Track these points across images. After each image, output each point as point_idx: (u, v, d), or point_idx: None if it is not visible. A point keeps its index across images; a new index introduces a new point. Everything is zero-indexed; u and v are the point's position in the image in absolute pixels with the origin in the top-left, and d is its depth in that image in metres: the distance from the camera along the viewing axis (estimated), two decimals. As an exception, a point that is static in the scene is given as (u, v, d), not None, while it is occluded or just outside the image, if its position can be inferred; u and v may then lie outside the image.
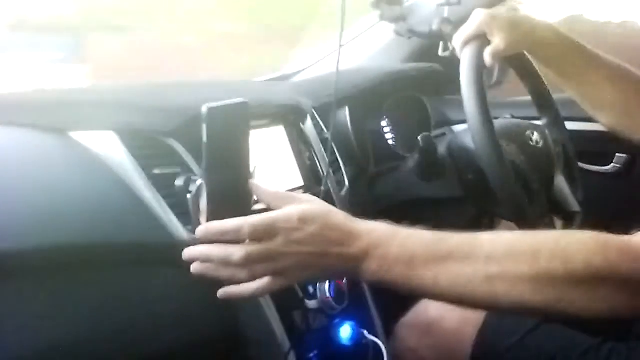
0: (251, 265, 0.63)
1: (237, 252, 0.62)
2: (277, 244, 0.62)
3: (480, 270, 0.60)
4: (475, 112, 0.85)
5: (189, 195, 0.77)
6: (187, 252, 0.66)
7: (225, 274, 0.64)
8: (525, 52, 0.99)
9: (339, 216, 0.65)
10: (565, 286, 0.58)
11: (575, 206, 1.03)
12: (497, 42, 0.90)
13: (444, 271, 0.61)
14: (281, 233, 0.62)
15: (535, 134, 1.03)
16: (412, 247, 0.62)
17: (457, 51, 0.93)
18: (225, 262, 0.63)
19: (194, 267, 0.66)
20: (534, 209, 0.91)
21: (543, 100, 1.07)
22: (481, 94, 0.86)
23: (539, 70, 1.03)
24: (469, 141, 0.99)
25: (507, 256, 0.60)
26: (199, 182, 0.76)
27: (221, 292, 0.66)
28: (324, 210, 0.65)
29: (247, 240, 0.63)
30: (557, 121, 1.08)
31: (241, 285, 0.65)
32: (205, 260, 0.65)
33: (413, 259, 0.61)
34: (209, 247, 0.65)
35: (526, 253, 0.60)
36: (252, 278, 0.64)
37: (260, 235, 0.63)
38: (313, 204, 0.66)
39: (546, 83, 1.06)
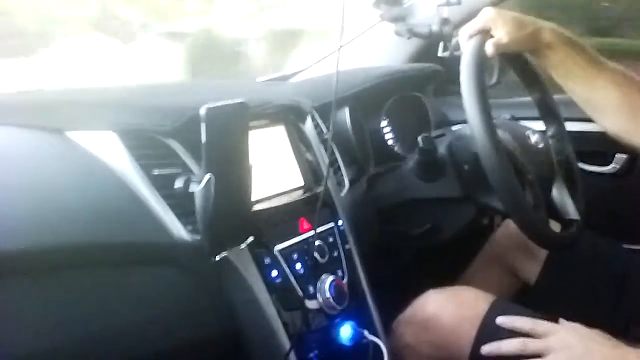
0: None
1: None
2: None
3: None
4: (473, 102, 0.86)
5: (197, 194, 0.77)
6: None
7: None
8: (530, 56, 0.99)
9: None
10: None
11: (574, 214, 1.03)
12: (500, 35, 0.91)
13: None
14: None
15: (536, 135, 1.03)
16: None
17: (461, 45, 0.94)
18: None
19: None
20: (526, 196, 0.91)
21: (549, 113, 1.07)
22: (481, 85, 0.86)
23: (543, 75, 1.03)
24: (467, 132, 1.00)
25: None
26: (199, 181, 0.76)
27: None
28: None
29: None
30: (562, 135, 1.08)
31: None
32: None
33: None
34: None
35: None
36: None
37: None
38: None
39: (549, 87, 1.06)
